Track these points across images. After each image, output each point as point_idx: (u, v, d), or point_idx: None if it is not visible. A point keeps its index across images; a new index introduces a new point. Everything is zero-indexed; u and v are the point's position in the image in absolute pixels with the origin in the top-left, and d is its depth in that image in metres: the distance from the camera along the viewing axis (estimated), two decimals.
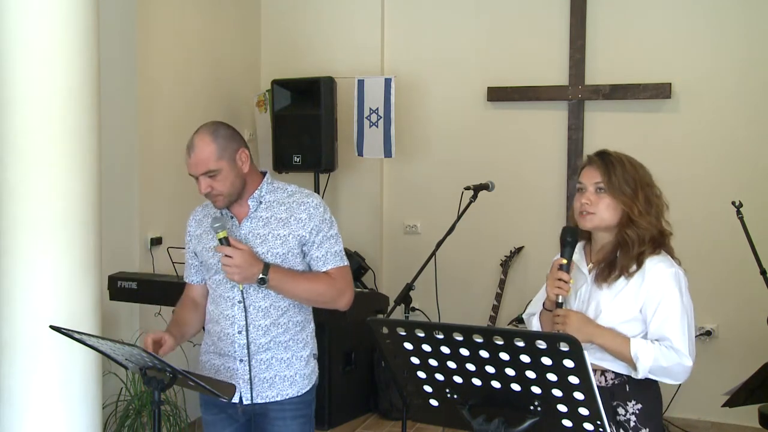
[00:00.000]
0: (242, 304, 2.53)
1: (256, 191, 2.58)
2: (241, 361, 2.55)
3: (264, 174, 2.64)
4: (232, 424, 2.63)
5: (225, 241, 2.45)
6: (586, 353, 1.72)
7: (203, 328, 2.76)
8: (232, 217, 2.58)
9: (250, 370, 2.53)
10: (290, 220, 2.54)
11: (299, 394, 2.60)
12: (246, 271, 2.43)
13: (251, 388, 2.54)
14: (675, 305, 2.31)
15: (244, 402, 2.56)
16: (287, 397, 2.58)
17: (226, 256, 2.43)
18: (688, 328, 2.31)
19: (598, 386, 2.34)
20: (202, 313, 2.73)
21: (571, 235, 2.38)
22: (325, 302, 2.59)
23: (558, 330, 2.31)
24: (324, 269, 2.56)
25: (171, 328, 2.64)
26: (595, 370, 2.35)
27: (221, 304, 2.59)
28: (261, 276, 2.44)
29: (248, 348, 2.53)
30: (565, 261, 2.34)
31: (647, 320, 2.33)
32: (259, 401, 2.56)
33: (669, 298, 2.31)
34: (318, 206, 2.57)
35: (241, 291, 2.53)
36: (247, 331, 2.53)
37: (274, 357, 2.56)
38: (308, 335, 2.66)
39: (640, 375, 2.29)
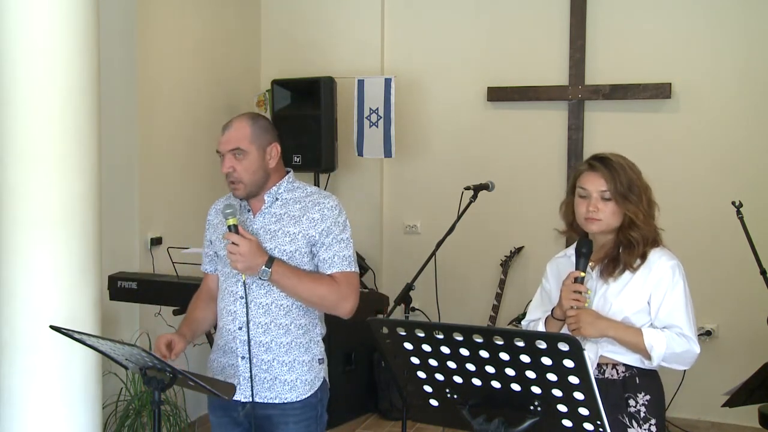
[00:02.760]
0: (244, 300, 2.51)
1: (274, 187, 2.58)
2: (242, 358, 2.54)
3: (288, 173, 2.64)
4: (237, 427, 2.61)
5: (234, 229, 2.45)
6: (586, 353, 1.72)
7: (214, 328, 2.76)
8: (248, 210, 2.58)
9: (251, 367, 2.51)
10: (302, 219, 2.53)
11: (299, 399, 2.56)
12: (250, 261, 2.42)
13: (252, 386, 2.52)
14: (680, 295, 2.42)
15: (243, 400, 2.54)
16: (286, 401, 2.55)
17: (232, 243, 2.43)
18: (692, 316, 2.43)
19: (610, 379, 2.42)
20: (214, 316, 2.73)
21: (587, 247, 2.43)
22: (325, 306, 2.57)
23: (573, 330, 2.37)
24: (329, 272, 2.54)
25: (182, 329, 2.64)
26: (606, 364, 2.44)
27: (225, 298, 2.60)
28: (264, 268, 2.43)
29: (249, 345, 2.51)
30: (583, 274, 2.40)
31: (654, 310, 2.41)
32: (258, 401, 2.54)
33: (675, 288, 2.42)
34: (333, 208, 2.56)
35: (244, 285, 2.51)
36: (248, 327, 2.50)
37: (275, 359, 2.54)
38: (312, 339, 2.61)
39: (655, 363, 2.38)
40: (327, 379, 2.67)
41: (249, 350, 2.51)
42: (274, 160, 2.56)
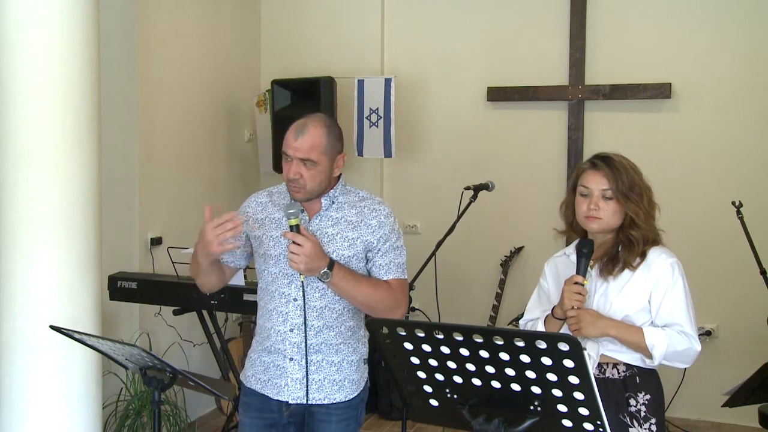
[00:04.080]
0: (297, 302, 2.48)
1: (331, 191, 2.55)
2: (291, 359, 2.51)
3: (339, 177, 2.60)
4: (271, 429, 2.57)
5: (296, 229, 2.40)
6: (587, 353, 1.72)
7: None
8: (302, 211, 2.53)
9: (307, 370, 2.48)
10: (360, 225, 2.52)
11: (346, 399, 2.55)
12: (313, 262, 2.37)
13: (307, 388, 2.49)
14: (681, 292, 2.43)
15: (291, 402, 2.51)
16: (334, 402, 2.54)
17: (295, 243, 2.37)
18: (693, 314, 2.43)
19: (611, 378, 2.42)
20: (224, 280, 2.70)
21: (588, 247, 2.44)
22: (380, 310, 2.53)
23: (574, 330, 2.38)
24: (385, 278, 2.53)
25: None
26: (606, 363, 2.45)
27: (275, 299, 2.54)
28: (325, 270, 2.40)
29: (306, 348, 2.48)
30: (585, 282, 2.41)
31: (654, 308, 2.42)
32: (303, 402, 2.51)
33: (675, 286, 2.43)
34: (389, 216, 2.57)
35: (302, 287, 2.47)
36: (305, 328, 2.47)
37: (324, 359, 2.52)
38: (359, 340, 2.61)
39: (656, 362, 2.39)
40: (368, 380, 2.68)
41: (306, 354, 2.48)
42: (339, 169, 2.54)
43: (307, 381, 2.49)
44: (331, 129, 2.51)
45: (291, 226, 2.40)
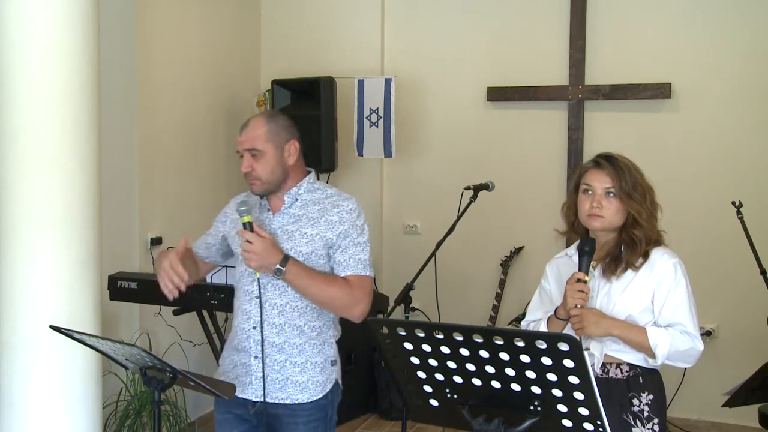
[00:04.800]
0: (259, 300, 2.51)
1: (294, 188, 2.58)
2: (255, 357, 2.54)
3: (309, 172, 2.64)
4: (243, 425, 2.61)
5: (249, 226, 2.45)
6: (586, 353, 1.72)
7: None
8: (268, 209, 2.58)
9: (264, 367, 2.51)
10: (320, 221, 2.53)
11: (310, 400, 2.56)
12: (264, 259, 2.41)
13: (263, 386, 2.52)
14: (683, 292, 2.43)
15: (254, 400, 2.54)
16: (296, 402, 2.55)
17: (246, 241, 2.43)
18: (695, 314, 2.44)
19: (614, 378, 2.43)
20: (197, 273, 2.78)
21: (590, 245, 2.45)
22: (337, 308, 2.55)
23: (577, 330, 2.39)
24: (343, 274, 2.53)
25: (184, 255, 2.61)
26: (610, 363, 2.46)
27: (240, 297, 2.60)
28: (278, 267, 2.42)
29: (262, 345, 2.51)
30: (587, 278, 2.41)
31: (657, 308, 2.43)
32: (270, 401, 2.54)
33: (678, 286, 2.44)
34: (352, 211, 2.57)
35: (258, 284, 2.51)
36: (261, 327, 2.50)
37: (288, 360, 2.54)
38: (325, 341, 2.60)
39: (659, 362, 2.40)
40: (339, 381, 2.66)
41: (262, 350, 2.51)
42: (293, 157, 2.57)
43: (264, 378, 2.51)
44: (274, 118, 2.58)
45: (243, 224, 2.46)
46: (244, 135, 2.55)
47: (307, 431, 2.56)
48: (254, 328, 2.54)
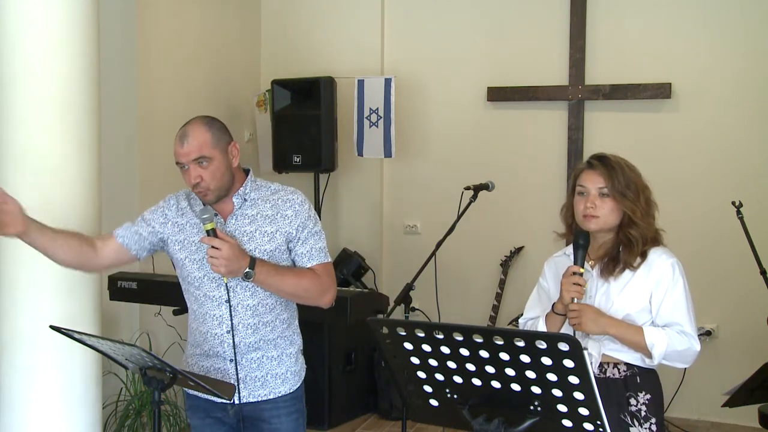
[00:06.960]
0: (229, 303, 2.50)
1: (241, 188, 2.56)
2: (231, 361, 2.53)
3: (248, 172, 2.62)
4: (221, 428, 2.61)
5: (212, 233, 2.40)
6: (588, 352, 1.72)
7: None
8: (216, 215, 2.52)
9: (236, 370, 2.52)
10: (277, 217, 2.52)
11: (291, 390, 2.60)
12: (233, 264, 2.38)
13: (238, 388, 2.52)
14: (681, 292, 2.44)
15: (237, 402, 2.53)
16: (280, 395, 2.57)
17: (213, 248, 2.38)
18: (693, 314, 2.45)
19: (611, 378, 2.43)
20: (77, 252, 2.53)
21: (584, 239, 2.46)
22: (309, 298, 2.56)
23: (574, 324, 2.40)
24: (309, 265, 2.54)
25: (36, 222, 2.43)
26: (607, 363, 2.46)
27: (206, 303, 2.55)
28: (247, 270, 2.40)
29: (234, 348, 2.51)
30: (582, 270, 2.43)
31: (655, 308, 2.44)
32: (252, 400, 2.55)
33: (676, 286, 2.44)
34: (303, 203, 2.57)
35: (227, 289, 2.49)
36: (233, 330, 2.50)
37: (264, 356, 2.56)
38: (294, 332, 2.66)
39: (655, 362, 2.40)
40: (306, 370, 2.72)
41: (234, 353, 2.51)
42: (236, 159, 2.54)
43: (237, 379, 2.51)
44: (212, 123, 2.54)
45: (207, 231, 2.41)
46: (188, 145, 2.48)
47: (290, 422, 2.59)
48: (228, 332, 2.52)
